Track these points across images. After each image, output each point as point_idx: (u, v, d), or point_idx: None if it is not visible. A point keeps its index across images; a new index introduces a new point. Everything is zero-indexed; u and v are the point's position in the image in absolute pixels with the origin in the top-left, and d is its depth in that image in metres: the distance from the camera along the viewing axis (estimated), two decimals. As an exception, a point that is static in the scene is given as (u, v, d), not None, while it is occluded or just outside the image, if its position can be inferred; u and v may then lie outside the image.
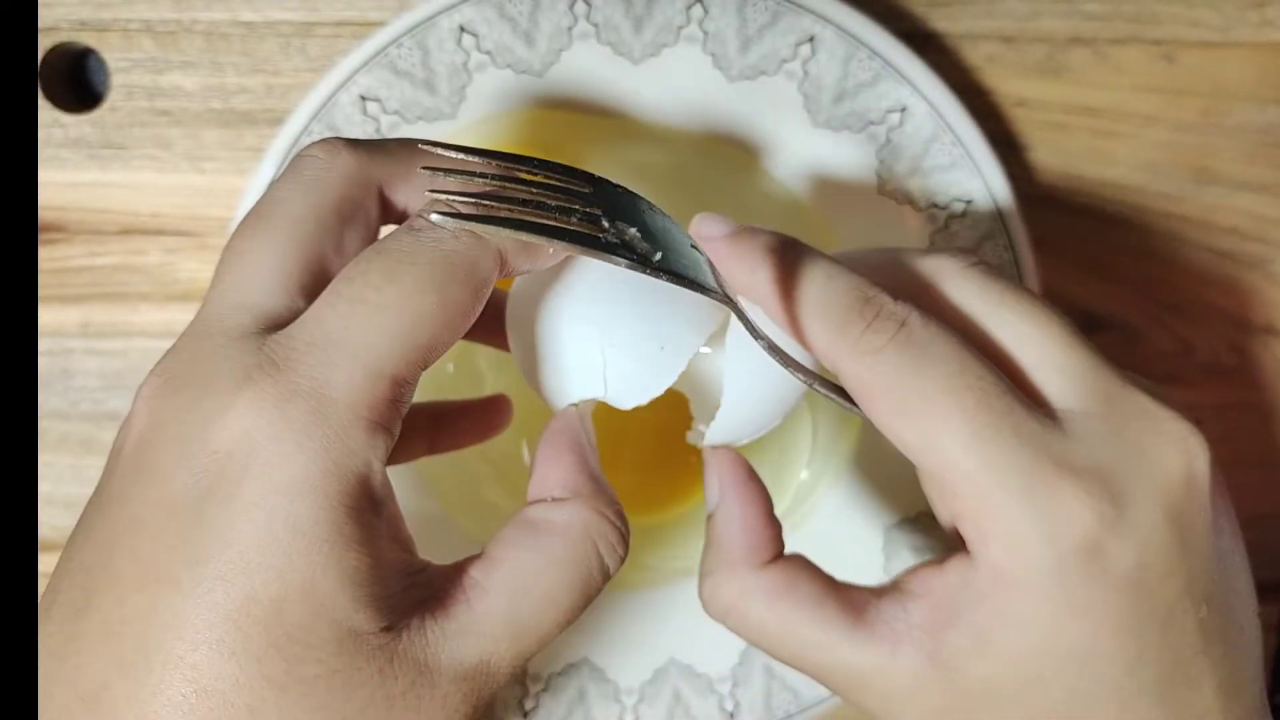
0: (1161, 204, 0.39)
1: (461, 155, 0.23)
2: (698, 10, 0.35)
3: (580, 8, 0.35)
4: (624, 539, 0.24)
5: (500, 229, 0.21)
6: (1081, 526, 0.21)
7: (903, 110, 0.35)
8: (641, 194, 0.24)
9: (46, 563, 0.39)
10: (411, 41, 0.34)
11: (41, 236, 0.38)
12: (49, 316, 0.38)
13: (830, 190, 0.37)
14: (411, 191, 0.24)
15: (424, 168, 0.23)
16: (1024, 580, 0.21)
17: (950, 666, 0.22)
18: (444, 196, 0.22)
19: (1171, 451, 0.22)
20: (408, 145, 0.24)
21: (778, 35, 0.35)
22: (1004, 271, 0.25)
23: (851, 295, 0.23)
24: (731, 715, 0.39)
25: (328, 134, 0.35)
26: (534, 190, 0.22)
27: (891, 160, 0.36)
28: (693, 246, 0.24)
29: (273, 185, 0.24)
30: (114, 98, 0.37)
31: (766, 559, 0.26)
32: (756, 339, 0.24)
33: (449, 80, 0.35)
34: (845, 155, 0.36)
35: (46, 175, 0.38)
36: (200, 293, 0.38)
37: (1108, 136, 0.39)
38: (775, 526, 0.26)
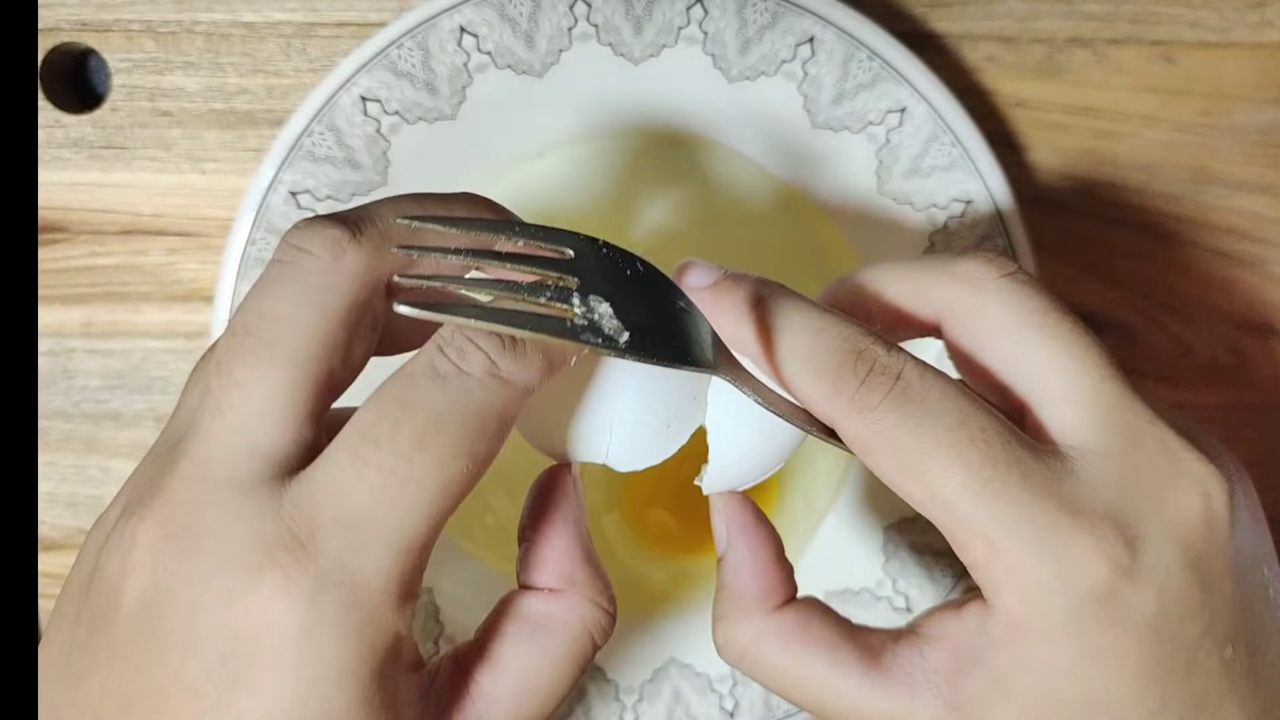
0: (1160, 204, 0.39)
1: (437, 228, 0.22)
2: (698, 11, 0.35)
3: (580, 8, 0.35)
4: (614, 619, 0.24)
5: (466, 319, 0.21)
6: (1096, 573, 0.21)
7: (902, 111, 0.35)
8: (629, 250, 0.23)
9: (46, 563, 0.39)
10: (412, 42, 0.34)
11: (43, 237, 0.38)
12: (51, 316, 0.39)
13: (830, 190, 0.37)
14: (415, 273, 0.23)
15: (399, 246, 0.22)
16: (1040, 629, 0.21)
17: (967, 713, 0.22)
18: (411, 284, 0.21)
19: (1190, 493, 0.22)
20: (408, 225, 0.23)
21: (777, 36, 0.35)
22: (1041, 290, 0.24)
23: (843, 350, 0.23)
24: (731, 714, 0.39)
25: (328, 134, 0.35)
26: (508, 265, 0.22)
27: (891, 161, 0.36)
28: (681, 306, 0.23)
29: (267, 292, 0.21)
30: (115, 98, 0.37)
31: (779, 602, 0.25)
32: (748, 395, 0.23)
33: (449, 81, 0.35)
34: (845, 156, 0.36)
35: (48, 175, 0.38)
36: (201, 293, 0.38)
37: (1107, 137, 0.39)
38: (786, 569, 0.26)
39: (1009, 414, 0.23)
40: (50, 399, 0.39)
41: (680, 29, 0.35)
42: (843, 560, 0.38)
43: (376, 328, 0.23)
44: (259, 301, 0.21)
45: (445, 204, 0.24)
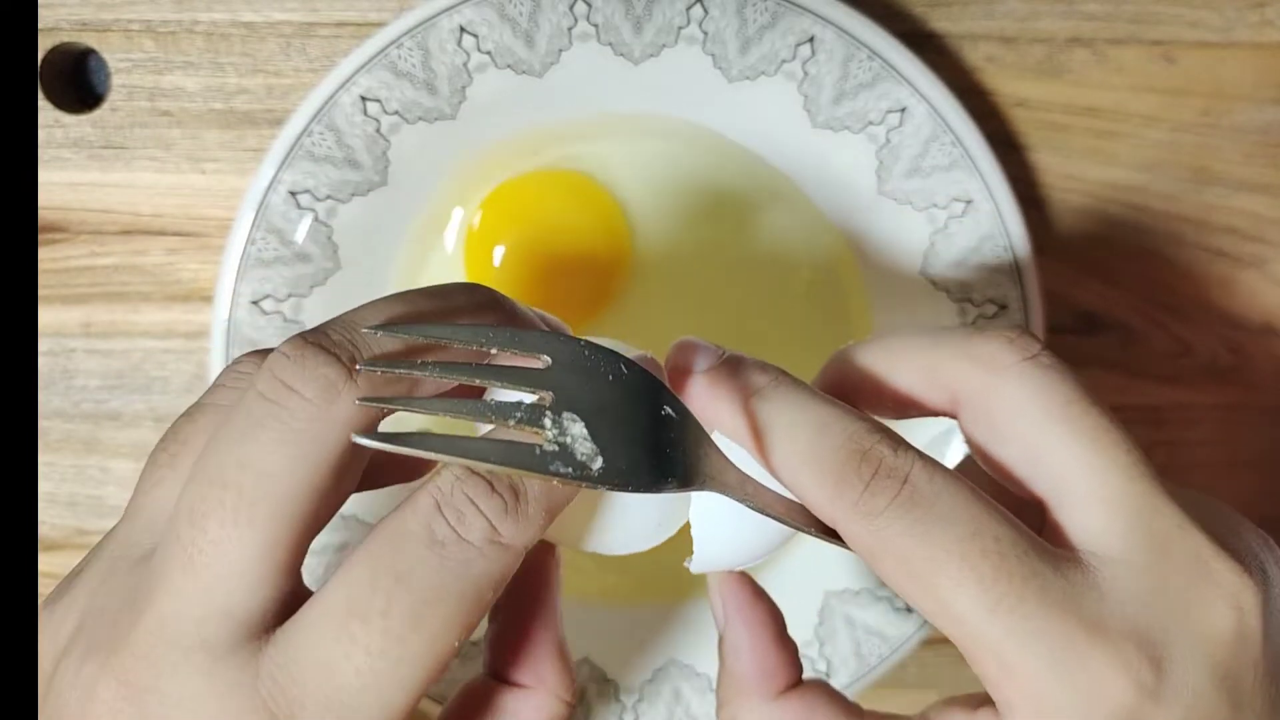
0: (1161, 204, 0.39)
1: (406, 337, 0.21)
2: (698, 11, 0.35)
3: (580, 8, 0.35)
4: (574, 710, 0.24)
5: (427, 451, 0.19)
6: (1118, 697, 0.19)
7: (902, 111, 0.35)
8: (610, 345, 0.22)
9: (47, 563, 0.39)
10: (412, 42, 0.34)
11: (43, 237, 0.38)
12: (50, 316, 0.39)
13: (830, 190, 0.37)
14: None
15: (365, 361, 0.20)
16: None
17: None
18: (375, 405, 0.20)
19: (1222, 607, 0.20)
20: (400, 352, 0.21)
21: (777, 36, 0.35)
22: (1066, 376, 0.22)
23: (847, 449, 0.21)
24: None
25: (328, 134, 0.35)
26: (478, 378, 0.21)
27: (891, 160, 0.36)
28: (667, 413, 0.21)
29: (250, 437, 0.19)
30: (115, 98, 0.37)
31: (782, 686, 0.24)
32: (743, 503, 0.22)
33: (449, 81, 0.35)
34: (845, 156, 0.36)
35: (48, 175, 0.38)
36: (201, 293, 0.38)
37: (1107, 137, 0.39)
38: (789, 649, 0.25)
39: (1029, 508, 0.22)
40: (50, 399, 0.39)
41: (680, 29, 0.35)
42: (844, 559, 0.38)
43: (364, 462, 0.21)
44: (240, 447, 0.19)
45: (435, 298, 0.22)
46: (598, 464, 0.20)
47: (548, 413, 0.20)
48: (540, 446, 0.20)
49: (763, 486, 0.22)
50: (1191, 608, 0.20)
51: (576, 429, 0.20)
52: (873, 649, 0.37)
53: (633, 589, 0.40)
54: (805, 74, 0.35)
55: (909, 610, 0.38)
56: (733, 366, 0.23)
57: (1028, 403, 0.22)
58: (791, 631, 0.26)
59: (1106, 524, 0.21)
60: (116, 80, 0.37)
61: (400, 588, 0.19)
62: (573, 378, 0.21)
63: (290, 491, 0.19)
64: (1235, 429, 0.41)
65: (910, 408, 0.24)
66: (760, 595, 0.25)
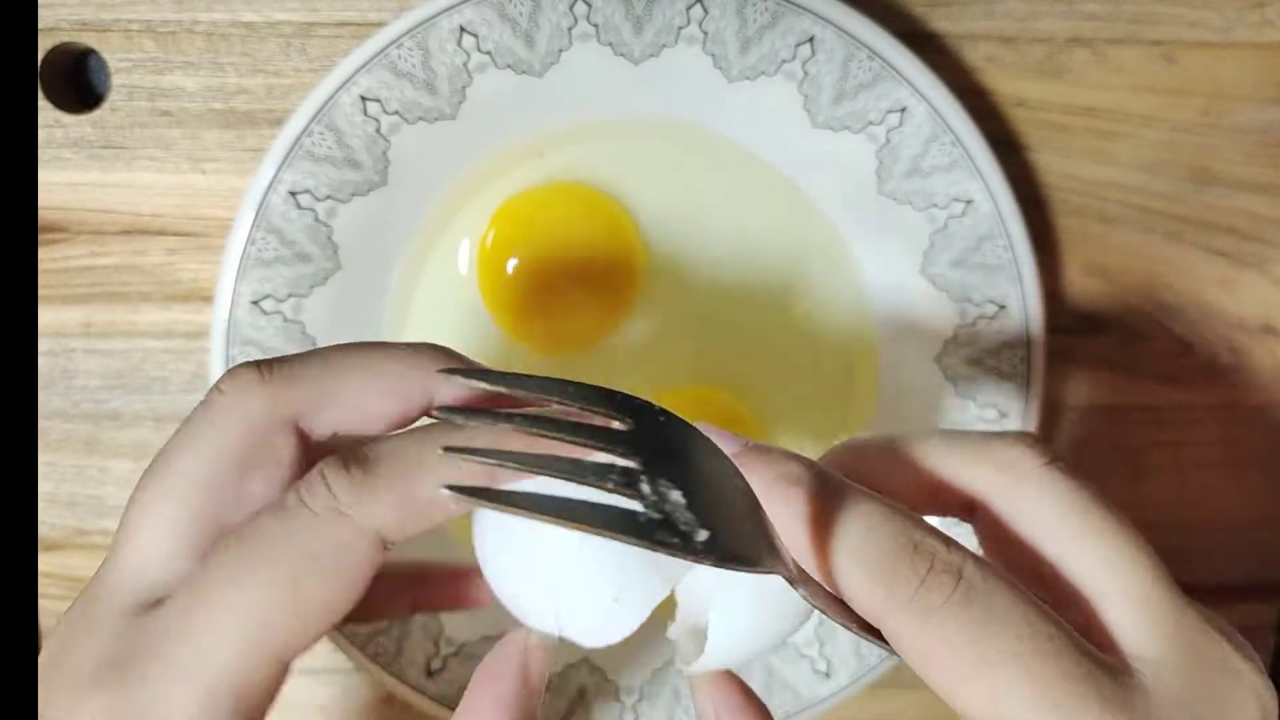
0: (1160, 204, 0.39)
1: (480, 384, 0.20)
2: (698, 11, 0.35)
3: (580, 8, 0.35)
4: None
5: (522, 511, 0.18)
6: None
7: (902, 111, 0.35)
8: (684, 420, 0.20)
9: (46, 562, 0.39)
10: (412, 42, 0.34)
11: (43, 237, 0.38)
12: (51, 316, 0.39)
13: (830, 190, 0.37)
14: (331, 417, 0.22)
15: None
16: None
17: None
18: (457, 456, 0.20)
19: (1251, 706, 0.21)
20: (327, 362, 0.22)
21: (777, 36, 0.35)
22: (1084, 480, 0.23)
23: (899, 544, 0.20)
24: None
25: (328, 134, 0.35)
26: (565, 436, 0.19)
27: (891, 160, 0.36)
28: (743, 488, 0.20)
29: (182, 429, 0.22)
30: (115, 98, 0.37)
31: None
32: (819, 609, 0.21)
33: (449, 81, 0.35)
34: (845, 155, 0.36)
35: (48, 175, 0.38)
36: (201, 293, 0.38)
37: (1107, 137, 0.39)
38: None
39: (1055, 608, 0.22)
40: (50, 399, 0.39)
41: (680, 29, 0.35)
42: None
43: (284, 466, 0.22)
44: (175, 437, 0.22)
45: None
46: (701, 536, 0.18)
47: (643, 477, 0.19)
48: (644, 512, 0.18)
49: (809, 575, 0.21)
50: (1227, 707, 0.21)
51: (675, 497, 0.19)
52: (873, 649, 0.37)
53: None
54: (805, 74, 0.35)
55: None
56: (760, 454, 0.22)
57: (1051, 506, 0.22)
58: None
59: (1142, 624, 0.21)
60: (116, 80, 0.37)
61: (236, 543, 0.21)
62: (657, 444, 0.19)
63: (193, 471, 0.22)
64: (1235, 429, 0.41)
65: (926, 506, 0.24)
66: (751, 698, 0.25)
